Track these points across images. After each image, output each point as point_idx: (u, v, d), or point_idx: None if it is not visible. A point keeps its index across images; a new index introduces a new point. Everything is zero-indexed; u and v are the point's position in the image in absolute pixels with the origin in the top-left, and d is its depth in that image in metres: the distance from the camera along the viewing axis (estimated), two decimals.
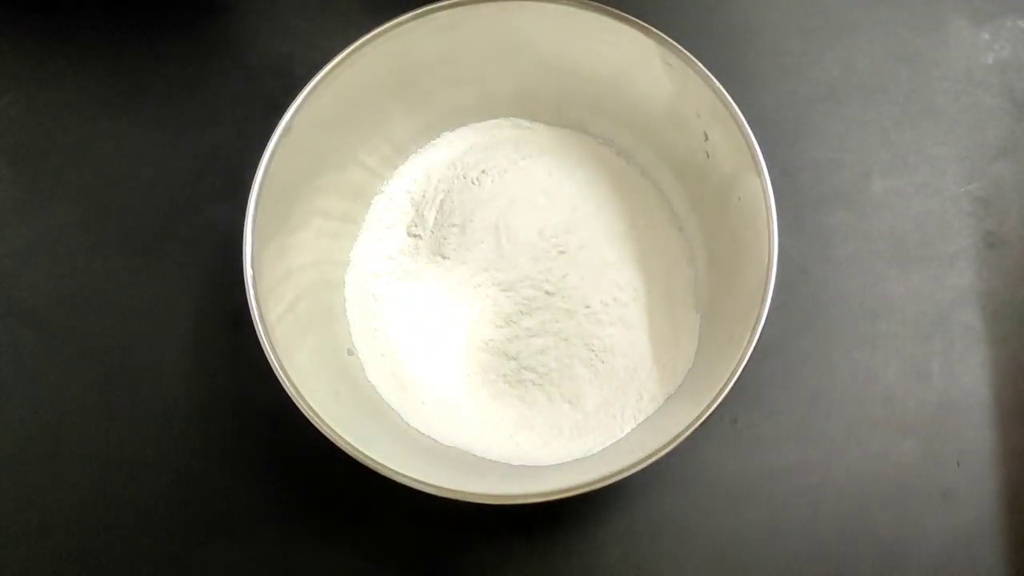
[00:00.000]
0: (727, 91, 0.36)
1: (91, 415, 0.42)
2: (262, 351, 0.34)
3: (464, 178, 0.41)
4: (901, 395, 0.41)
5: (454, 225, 0.40)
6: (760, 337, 0.33)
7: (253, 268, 0.35)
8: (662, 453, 0.32)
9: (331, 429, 0.33)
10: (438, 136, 0.43)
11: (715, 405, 0.33)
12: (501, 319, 0.39)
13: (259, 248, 0.36)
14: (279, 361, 0.34)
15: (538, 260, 0.39)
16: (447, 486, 0.33)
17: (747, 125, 0.35)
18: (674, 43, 0.36)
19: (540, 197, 0.40)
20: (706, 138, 0.38)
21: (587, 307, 0.39)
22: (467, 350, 0.40)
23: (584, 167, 0.42)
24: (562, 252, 0.39)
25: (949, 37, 0.45)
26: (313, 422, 0.33)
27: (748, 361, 0.33)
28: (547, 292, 0.39)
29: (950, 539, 0.40)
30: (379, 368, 0.40)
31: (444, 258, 0.40)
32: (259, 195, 0.36)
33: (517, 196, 0.40)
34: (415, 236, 0.41)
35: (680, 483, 0.40)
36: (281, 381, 0.34)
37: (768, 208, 0.35)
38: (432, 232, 0.41)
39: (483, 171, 0.41)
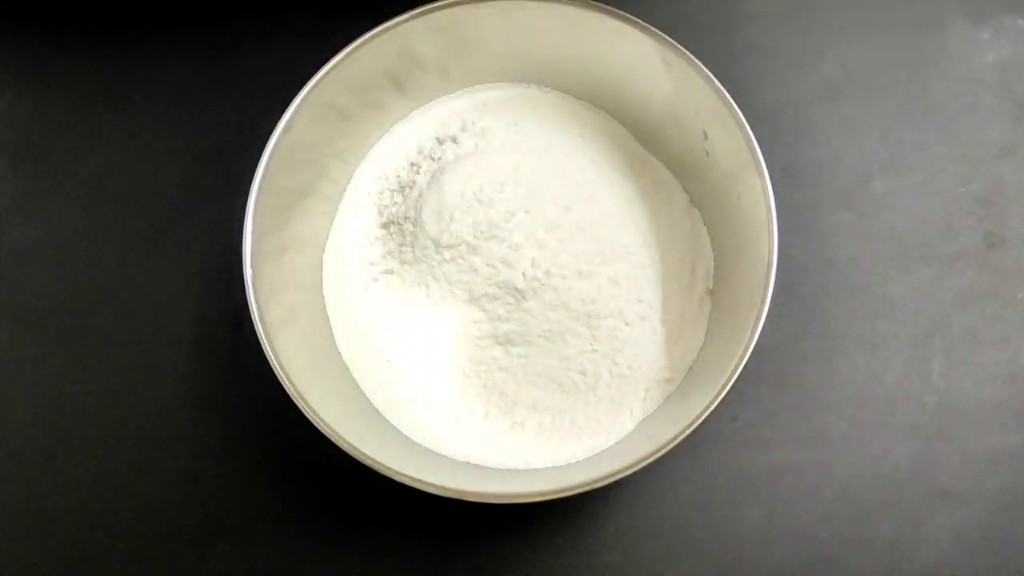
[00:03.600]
0: (727, 91, 0.36)
1: (91, 415, 0.42)
2: (262, 351, 0.34)
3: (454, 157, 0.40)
4: (901, 395, 0.41)
5: (451, 217, 0.39)
6: (760, 336, 0.33)
7: (253, 268, 0.35)
8: (662, 452, 0.32)
9: (331, 429, 0.33)
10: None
11: (715, 404, 0.33)
12: (499, 313, 0.39)
13: (259, 248, 0.36)
14: (279, 361, 0.34)
15: (537, 246, 0.38)
16: (447, 486, 0.33)
17: (747, 124, 0.35)
18: (674, 43, 0.36)
19: (538, 172, 0.39)
20: (705, 137, 0.38)
21: (592, 302, 0.38)
22: (464, 347, 0.39)
23: (592, 137, 0.40)
24: (562, 239, 0.38)
25: (949, 36, 0.45)
26: (313, 422, 0.33)
27: (748, 360, 0.33)
28: (546, 285, 0.38)
29: (950, 540, 0.40)
30: (375, 372, 0.40)
31: (439, 249, 0.39)
32: (259, 195, 0.36)
33: (509, 171, 0.39)
34: (411, 232, 0.41)
35: (680, 483, 0.40)
36: (281, 381, 0.34)
37: (768, 207, 0.35)
38: (425, 225, 0.40)
39: (476, 144, 0.40)
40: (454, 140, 0.41)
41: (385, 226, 0.41)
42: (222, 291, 0.42)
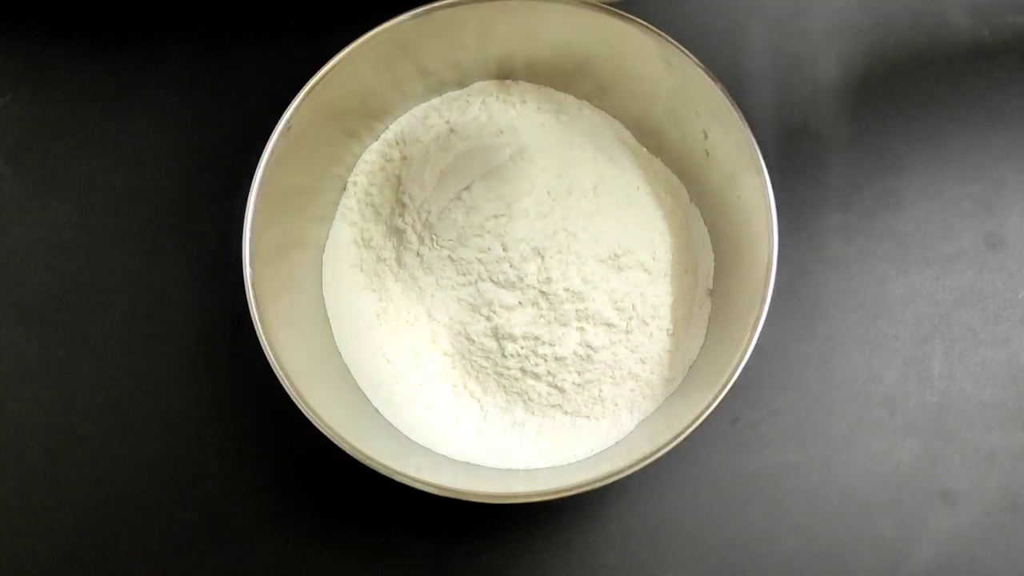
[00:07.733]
0: (727, 91, 0.36)
1: (92, 415, 0.42)
2: (262, 351, 0.34)
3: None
4: (901, 395, 0.41)
5: (447, 216, 0.39)
6: (760, 337, 0.33)
7: (253, 268, 0.35)
8: (662, 452, 0.32)
9: (331, 429, 0.33)
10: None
11: (715, 404, 0.33)
12: (499, 313, 0.39)
13: (259, 248, 0.35)
14: (279, 361, 0.34)
15: (534, 246, 0.38)
16: (447, 486, 0.33)
17: (747, 124, 0.35)
18: (674, 42, 0.36)
19: (539, 169, 0.38)
20: (705, 137, 0.38)
21: (592, 302, 0.38)
22: (464, 347, 0.39)
23: (593, 138, 0.40)
24: (562, 239, 0.38)
25: (950, 36, 0.45)
26: (313, 422, 0.33)
27: (748, 361, 0.33)
28: (545, 286, 0.38)
29: (950, 540, 0.40)
30: (375, 372, 0.40)
31: (439, 249, 0.39)
32: (259, 195, 0.36)
33: (509, 167, 0.38)
34: (402, 230, 0.40)
35: (680, 483, 0.40)
36: (281, 381, 0.34)
37: (768, 207, 0.35)
38: (422, 223, 0.40)
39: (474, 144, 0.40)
40: None
41: (385, 226, 0.40)
42: (222, 291, 0.42)
